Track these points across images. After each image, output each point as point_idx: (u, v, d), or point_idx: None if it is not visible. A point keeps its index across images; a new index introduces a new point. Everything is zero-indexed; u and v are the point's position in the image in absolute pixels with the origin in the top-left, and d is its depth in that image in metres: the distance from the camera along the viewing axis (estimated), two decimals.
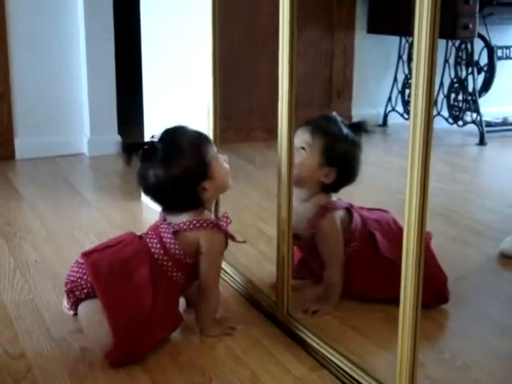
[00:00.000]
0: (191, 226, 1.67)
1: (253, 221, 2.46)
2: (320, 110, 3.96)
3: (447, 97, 3.88)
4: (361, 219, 1.86)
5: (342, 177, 1.83)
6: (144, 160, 1.66)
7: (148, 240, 1.69)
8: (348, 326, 1.73)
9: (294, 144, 1.71)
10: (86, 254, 1.68)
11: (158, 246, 1.67)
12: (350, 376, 1.48)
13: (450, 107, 3.89)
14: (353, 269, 1.84)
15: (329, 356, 1.56)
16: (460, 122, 3.86)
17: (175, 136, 1.70)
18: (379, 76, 4.16)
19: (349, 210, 1.85)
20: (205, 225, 1.67)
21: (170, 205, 1.70)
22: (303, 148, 1.81)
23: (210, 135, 2.06)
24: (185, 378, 1.53)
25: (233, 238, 1.74)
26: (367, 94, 4.12)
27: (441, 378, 1.50)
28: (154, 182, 1.66)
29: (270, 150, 1.88)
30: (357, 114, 3.98)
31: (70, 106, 3.63)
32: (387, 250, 1.79)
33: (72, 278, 1.66)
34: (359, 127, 1.87)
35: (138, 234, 1.74)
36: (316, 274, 1.92)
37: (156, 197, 1.70)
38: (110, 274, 1.62)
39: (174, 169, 1.64)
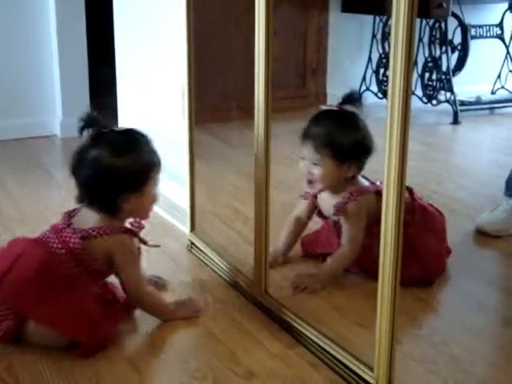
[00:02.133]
0: (101, 232, 1.58)
1: (229, 201, 2.46)
2: (294, 89, 3.95)
3: (421, 76, 3.89)
4: None
5: (362, 158, 1.83)
6: (94, 138, 1.60)
7: (51, 245, 1.58)
8: (327, 304, 1.74)
9: (305, 157, 1.79)
10: None
11: (63, 251, 1.56)
12: (328, 352, 1.49)
13: (424, 86, 3.90)
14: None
15: (306, 333, 1.56)
16: (434, 101, 3.88)
17: (137, 138, 1.64)
18: (353, 55, 4.15)
19: (378, 192, 1.82)
20: (114, 230, 1.59)
21: (88, 193, 1.61)
22: (316, 164, 1.81)
23: (185, 115, 2.05)
24: (161, 359, 1.52)
25: (144, 243, 1.67)
26: (341, 74, 4.11)
27: (419, 354, 1.51)
28: (89, 163, 1.58)
29: (246, 130, 1.87)
30: (331, 93, 3.98)
31: (41, 86, 3.58)
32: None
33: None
34: (350, 99, 1.85)
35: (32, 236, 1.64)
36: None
37: (81, 179, 1.61)
38: (30, 292, 1.51)
39: (115, 160, 1.57)
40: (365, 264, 1.83)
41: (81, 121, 1.62)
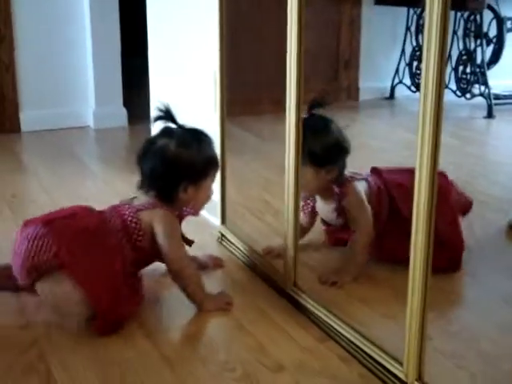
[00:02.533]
0: (147, 205, 1.69)
1: (259, 194, 2.46)
2: (327, 82, 3.94)
3: (455, 69, 3.84)
4: (383, 184, 1.90)
5: (340, 159, 1.87)
6: (164, 130, 1.73)
7: (107, 216, 1.69)
8: (356, 298, 1.73)
9: None
10: (46, 223, 1.62)
11: (118, 222, 1.67)
12: (358, 347, 1.49)
13: (458, 80, 3.85)
14: (378, 234, 1.87)
15: (336, 327, 1.56)
16: (468, 95, 3.83)
17: (202, 135, 1.76)
18: (386, 48, 4.12)
19: (366, 180, 1.90)
20: (160, 205, 1.69)
21: (150, 181, 1.71)
22: None
23: (217, 108, 2.05)
24: (192, 350, 1.53)
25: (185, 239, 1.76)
26: (374, 67, 4.08)
27: (448, 349, 1.50)
28: (156, 151, 1.70)
29: (277, 123, 1.87)
30: (364, 87, 3.96)
31: (75, 78, 3.62)
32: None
33: (32, 254, 1.58)
34: (318, 103, 1.86)
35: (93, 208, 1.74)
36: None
37: (146, 166, 1.71)
38: (76, 242, 1.59)
39: (181, 151, 1.69)
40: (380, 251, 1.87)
41: (158, 111, 1.74)
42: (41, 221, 1.64)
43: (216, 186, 2.13)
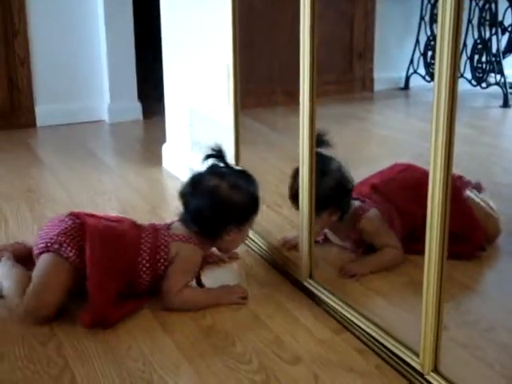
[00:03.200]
0: (182, 237, 1.68)
1: (275, 186, 2.45)
2: (341, 73, 3.92)
3: (470, 58, 3.82)
4: (386, 199, 1.90)
5: (343, 200, 1.85)
6: (216, 171, 1.71)
7: (144, 235, 1.68)
8: (372, 290, 1.73)
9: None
10: (86, 215, 1.68)
11: (149, 245, 1.66)
12: (375, 339, 1.49)
13: (474, 69, 3.83)
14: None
15: (353, 319, 1.56)
16: (483, 84, 3.80)
17: (251, 178, 1.75)
18: (401, 38, 4.10)
19: (374, 206, 1.89)
20: (191, 240, 1.68)
21: (196, 217, 1.68)
22: None
23: (231, 100, 2.05)
24: (208, 342, 1.54)
25: (199, 278, 1.75)
26: (389, 57, 4.06)
27: (465, 340, 1.50)
28: (206, 190, 1.68)
29: (291, 115, 1.86)
30: (378, 77, 3.94)
31: (89, 72, 3.63)
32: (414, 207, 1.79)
33: (65, 231, 1.63)
34: (319, 142, 1.79)
35: (138, 222, 1.76)
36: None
37: (193, 204, 1.69)
38: (104, 236, 1.63)
39: (233, 193, 1.67)
40: None
41: (211, 150, 1.73)
42: (84, 214, 1.70)
43: None
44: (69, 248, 1.61)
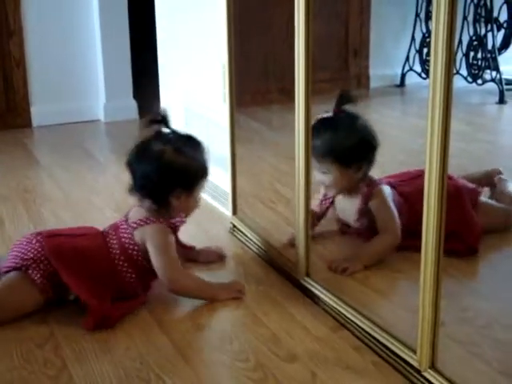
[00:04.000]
0: (141, 223, 1.67)
1: (270, 183, 2.46)
2: (336, 71, 3.92)
3: (466, 55, 3.82)
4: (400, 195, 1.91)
5: (368, 156, 1.86)
6: (158, 135, 1.70)
7: (108, 239, 1.70)
8: (369, 288, 1.73)
9: (314, 167, 1.77)
10: (49, 236, 1.68)
11: (116, 243, 1.68)
12: (371, 336, 1.49)
13: (469, 65, 3.82)
14: None
15: (349, 316, 1.56)
16: (479, 81, 3.80)
17: (197, 142, 1.74)
18: (396, 35, 4.09)
19: (391, 185, 1.91)
20: (150, 221, 1.68)
21: (143, 186, 1.69)
22: (324, 172, 1.85)
23: (226, 98, 2.05)
24: (205, 340, 1.54)
25: (182, 245, 1.78)
26: (384, 54, 4.06)
27: (463, 337, 1.50)
28: (151, 156, 1.67)
29: (286, 113, 1.87)
30: (374, 75, 3.93)
31: (85, 72, 3.63)
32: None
33: (31, 256, 1.63)
34: (346, 99, 1.86)
35: (101, 229, 1.76)
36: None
37: (139, 171, 1.69)
38: (72, 257, 1.64)
39: (177, 157, 1.66)
40: None
41: (154, 115, 1.71)
42: (46, 233, 1.71)
43: (227, 176, 2.13)
44: (35, 272, 1.62)
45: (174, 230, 1.72)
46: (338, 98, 1.87)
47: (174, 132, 1.72)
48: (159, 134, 1.71)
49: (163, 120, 1.71)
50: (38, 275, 1.62)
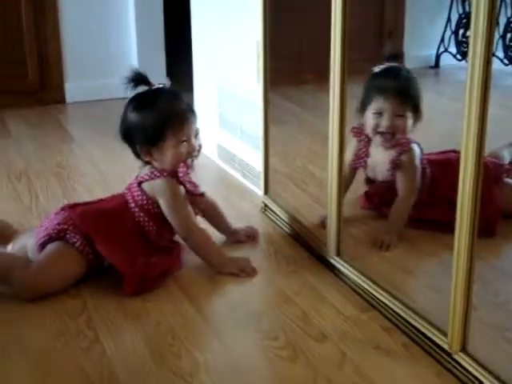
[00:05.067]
0: (146, 177, 1.73)
1: (303, 164, 2.45)
2: (371, 51, 3.88)
3: (503, 37, 3.75)
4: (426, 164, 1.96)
5: (418, 111, 1.92)
6: (132, 97, 1.76)
7: (125, 196, 1.77)
8: (399, 268, 1.73)
9: (385, 111, 1.87)
10: (70, 207, 1.75)
11: (131, 199, 1.74)
12: (401, 317, 1.49)
13: (506, 48, 3.76)
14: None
15: (379, 297, 1.56)
16: None
17: (160, 94, 1.73)
18: (432, 16, 4.04)
19: (418, 145, 1.95)
20: (152, 176, 1.72)
21: (129, 148, 1.78)
22: (401, 115, 1.89)
23: (260, 78, 2.05)
24: (236, 318, 1.55)
25: (188, 191, 1.75)
26: (419, 35, 4.00)
27: (494, 321, 1.49)
28: (122, 120, 1.76)
29: (321, 93, 1.86)
30: (408, 55, 3.89)
31: (119, 49, 3.64)
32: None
33: (64, 222, 1.69)
34: (394, 56, 1.98)
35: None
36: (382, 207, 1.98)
37: (120, 134, 1.78)
38: (97, 220, 1.70)
39: (132, 116, 1.72)
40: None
41: (129, 78, 1.75)
42: (68, 205, 1.78)
43: (259, 156, 2.14)
44: (72, 234, 1.67)
45: (179, 179, 1.73)
46: (389, 55, 1.97)
47: (147, 90, 1.74)
48: (133, 95, 1.75)
49: (139, 78, 1.74)
50: (75, 239, 1.66)
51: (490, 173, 1.89)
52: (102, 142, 2.89)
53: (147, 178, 1.73)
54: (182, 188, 1.73)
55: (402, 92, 1.89)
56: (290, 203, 2.06)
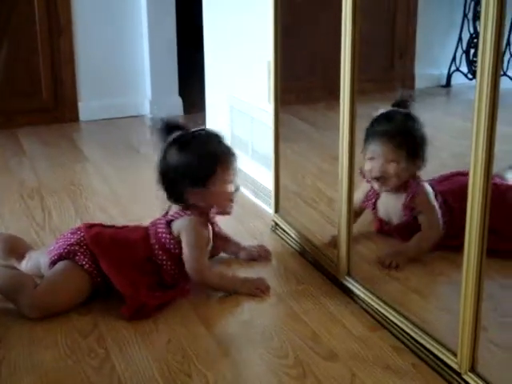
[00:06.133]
0: (176, 215, 1.73)
1: (313, 182, 2.46)
2: (382, 71, 3.90)
3: None
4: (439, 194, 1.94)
5: (424, 154, 1.91)
6: (172, 139, 1.72)
7: (148, 231, 1.76)
8: (409, 288, 1.73)
9: (377, 156, 1.87)
10: (89, 227, 1.75)
11: (153, 236, 1.74)
12: (411, 337, 1.49)
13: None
14: None
15: (389, 316, 1.56)
16: None
17: (202, 136, 1.74)
18: (443, 35, 4.05)
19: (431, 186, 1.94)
20: (182, 214, 1.72)
21: (166, 191, 1.75)
22: (393, 161, 1.88)
23: (271, 97, 2.06)
24: (246, 336, 1.55)
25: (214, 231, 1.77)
26: (430, 54, 4.02)
27: (504, 341, 1.49)
28: (160, 158, 1.73)
29: (331, 112, 1.87)
30: (420, 75, 3.90)
31: (131, 68, 3.68)
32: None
33: (76, 242, 1.70)
34: (402, 103, 1.94)
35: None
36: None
37: (160, 177, 1.74)
38: (110, 245, 1.70)
39: (176, 156, 1.70)
40: None
41: (161, 128, 1.74)
42: (87, 224, 1.79)
43: (270, 174, 2.15)
44: (82, 256, 1.68)
45: (208, 222, 1.75)
46: (400, 102, 1.94)
47: (186, 132, 1.73)
48: (173, 138, 1.72)
49: (167, 127, 1.73)
50: (85, 260, 1.67)
51: (501, 192, 1.90)
52: (114, 160, 2.92)
53: (177, 216, 1.73)
54: (208, 229, 1.75)
55: (394, 137, 1.87)
56: (300, 221, 2.07)
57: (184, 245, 1.71)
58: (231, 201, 1.77)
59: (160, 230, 1.74)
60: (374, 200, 1.98)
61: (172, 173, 1.71)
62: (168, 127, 1.73)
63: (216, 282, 1.74)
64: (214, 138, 1.75)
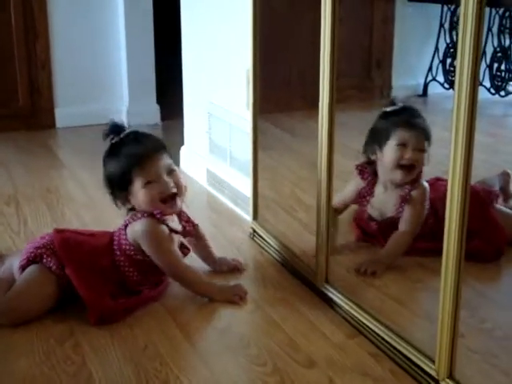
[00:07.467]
0: (130, 219, 1.72)
1: (291, 190, 2.46)
2: (359, 80, 3.92)
3: (490, 67, 3.80)
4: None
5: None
6: (108, 146, 1.76)
7: (113, 236, 1.75)
8: (387, 295, 1.73)
9: (408, 144, 1.90)
10: (58, 232, 1.74)
11: (116, 242, 1.73)
12: (389, 344, 1.49)
13: (493, 77, 3.81)
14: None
15: (368, 324, 1.57)
16: (502, 92, 3.79)
17: (129, 140, 1.73)
18: (420, 45, 4.09)
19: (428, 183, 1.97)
20: (134, 217, 1.71)
21: (110, 195, 1.76)
22: (422, 150, 1.91)
23: (250, 105, 2.07)
24: (223, 343, 1.55)
25: (173, 230, 1.73)
26: (407, 64, 4.05)
27: (481, 348, 1.50)
28: (103, 167, 1.76)
29: (309, 120, 1.88)
30: (397, 85, 3.93)
31: (109, 75, 3.66)
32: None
33: (43, 245, 1.70)
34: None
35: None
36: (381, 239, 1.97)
37: (104, 183, 1.76)
38: (76, 251, 1.69)
39: (107, 167, 1.74)
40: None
41: (107, 129, 1.75)
42: (57, 229, 1.77)
43: (248, 182, 2.15)
44: (49, 259, 1.67)
45: (160, 220, 1.69)
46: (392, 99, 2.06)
47: (118, 137, 1.73)
48: (111, 142, 1.74)
49: (113, 129, 1.74)
50: (52, 262, 1.67)
51: (480, 198, 1.92)
52: (91, 166, 2.89)
53: (131, 220, 1.71)
54: (164, 227, 1.70)
55: (423, 128, 1.92)
56: (279, 229, 2.07)
57: (147, 251, 1.69)
58: (163, 200, 1.70)
59: (121, 235, 1.73)
60: (367, 197, 1.99)
61: (106, 181, 1.75)
62: (112, 131, 1.74)
63: (191, 282, 1.73)
64: (135, 141, 1.72)
